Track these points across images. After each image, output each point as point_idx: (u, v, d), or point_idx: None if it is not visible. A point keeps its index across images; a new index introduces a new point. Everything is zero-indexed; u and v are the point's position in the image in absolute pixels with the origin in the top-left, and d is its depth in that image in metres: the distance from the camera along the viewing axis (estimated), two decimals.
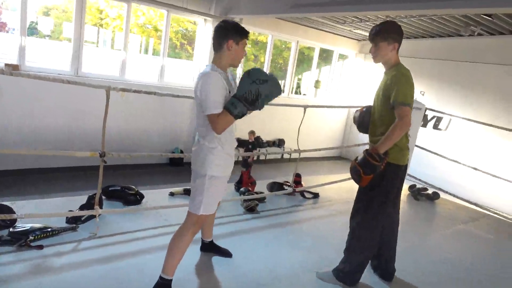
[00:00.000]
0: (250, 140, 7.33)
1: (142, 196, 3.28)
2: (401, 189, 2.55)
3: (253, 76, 1.90)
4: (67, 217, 2.72)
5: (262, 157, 8.88)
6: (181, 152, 7.54)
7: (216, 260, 2.57)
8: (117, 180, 3.42)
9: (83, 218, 2.75)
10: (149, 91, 2.76)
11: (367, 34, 9.01)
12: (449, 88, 7.82)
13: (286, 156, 9.07)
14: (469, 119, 5.14)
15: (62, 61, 6.43)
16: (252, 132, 7.40)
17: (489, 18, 6.18)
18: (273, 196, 3.93)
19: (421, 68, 8.01)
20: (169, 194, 3.55)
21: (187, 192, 3.54)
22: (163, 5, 6.63)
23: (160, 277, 2.07)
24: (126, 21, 7.03)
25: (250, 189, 3.81)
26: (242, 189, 3.78)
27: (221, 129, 1.93)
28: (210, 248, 2.62)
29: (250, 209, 3.43)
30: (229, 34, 1.99)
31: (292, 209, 3.77)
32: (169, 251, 2.08)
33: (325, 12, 5.19)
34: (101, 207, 2.87)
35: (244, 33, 2.02)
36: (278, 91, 1.99)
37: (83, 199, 2.94)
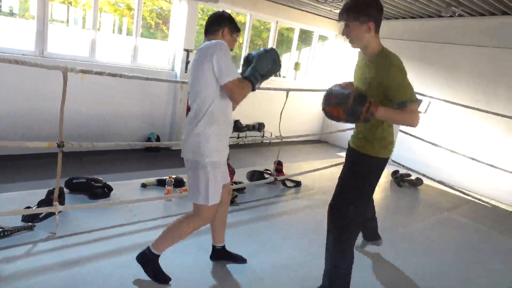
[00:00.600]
0: None
1: (110, 189, 3.00)
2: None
3: (275, 55, 1.99)
4: (23, 215, 2.43)
5: (241, 142, 8.66)
6: (157, 138, 7.23)
7: (194, 261, 2.36)
8: (85, 169, 3.15)
9: (41, 216, 2.47)
10: (113, 73, 2.46)
11: None
12: (429, 70, 7.74)
13: (266, 140, 8.88)
14: (448, 101, 5.05)
15: (27, 40, 5.94)
16: None
17: None
18: (253, 186, 3.72)
19: (401, 49, 7.78)
20: (141, 186, 3.29)
21: (160, 183, 3.30)
22: None
23: (149, 250, 2.04)
24: None
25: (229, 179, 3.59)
26: None
27: (242, 96, 1.89)
28: (223, 256, 2.36)
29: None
30: (227, 22, 2.02)
31: (274, 200, 3.58)
32: (170, 233, 2.02)
33: None
34: (62, 202, 2.59)
35: (237, 27, 2.08)
36: (279, 68, 2.07)
37: (44, 192, 2.64)
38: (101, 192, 2.91)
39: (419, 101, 1.52)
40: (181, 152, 2.02)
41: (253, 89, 1.94)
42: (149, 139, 7.16)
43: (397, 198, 4.27)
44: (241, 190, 3.50)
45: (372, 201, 2.58)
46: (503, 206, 6.18)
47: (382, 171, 2.12)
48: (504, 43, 7.08)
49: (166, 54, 7.43)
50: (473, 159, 4.39)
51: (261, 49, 2.03)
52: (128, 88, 6.54)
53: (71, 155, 4.34)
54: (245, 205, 3.29)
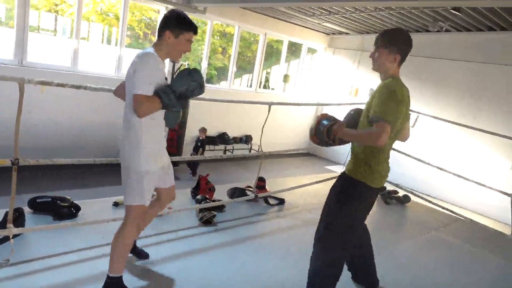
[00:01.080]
0: (200, 138, 6.96)
1: (78, 208, 2.81)
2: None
3: (195, 76, 1.91)
4: None
5: (228, 154, 8.51)
6: None
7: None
8: (54, 185, 2.94)
9: None
10: (77, 85, 2.29)
11: (336, 27, 8.81)
12: (416, 84, 7.71)
13: (254, 152, 8.74)
14: (435, 117, 4.98)
15: (8, 49, 5.78)
16: (203, 130, 7.02)
17: (457, 13, 6.06)
18: (234, 204, 3.55)
19: None
20: (112, 205, 3.10)
21: None
22: None
23: (109, 277, 1.96)
24: (77, 6, 6.45)
25: (208, 196, 3.43)
26: (198, 196, 3.38)
27: (144, 113, 1.82)
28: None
29: (206, 221, 3.04)
30: (169, 24, 1.90)
31: (254, 219, 3.41)
32: (116, 250, 1.97)
33: (291, 2, 4.86)
34: (22, 224, 2.40)
35: (185, 27, 1.91)
36: (201, 90, 1.97)
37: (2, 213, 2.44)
38: (67, 212, 2.72)
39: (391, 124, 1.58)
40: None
41: (164, 107, 1.87)
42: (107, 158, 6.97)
43: (385, 215, 4.14)
44: (221, 208, 3.33)
45: (367, 237, 2.39)
46: (490, 222, 6.10)
47: (367, 199, 2.07)
48: (490, 59, 7.10)
49: None
50: (459, 176, 4.29)
51: (190, 72, 1.93)
52: (103, 98, 6.36)
53: (35, 169, 4.10)
54: (223, 225, 3.12)
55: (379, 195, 4.48)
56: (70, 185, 5.02)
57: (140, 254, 2.44)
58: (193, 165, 6.74)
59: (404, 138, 2.21)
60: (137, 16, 9.42)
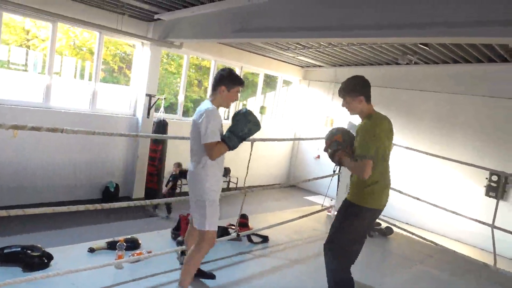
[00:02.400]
0: (173, 173, 6.75)
1: (50, 257, 2.61)
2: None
3: (251, 118, 2.36)
4: None
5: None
6: (116, 186, 6.81)
7: None
8: (23, 228, 2.73)
9: None
10: (53, 127, 2.17)
11: (311, 60, 9.04)
12: (389, 115, 7.94)
13: (232, 185, 8.61)
14: (408, 148, 5.06)
15: None
16: (177, 164, 6.81)
17: (425, 48, 6.36)
18: (216, 243, 3.41)
19: None
20: (88, 251, 2.91)
21: (112, 246, 2.94)
22: (95, 26, 6.03)
23: None
24: (51, 42, 6.37)
25: None
26: (179, 238, 3.24)
27: (216, 156, 2.31)
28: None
29: None
30: (223, 80, 2.39)
31: (238, 259, 3.28)
32: (186, 268, 2.41)
33: (266, 38, 4.97)
34: None
35: (236, 82, 2.41)
36: (258, 129, 2.45)
37: None
38: (38, 262, 2.51)
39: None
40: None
41: (230, 149, 2.33)
42: (107, 188, 6.73)
43: (369, 249, 4.07)
44: None
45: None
46: (471, 249, 6.17)
47: (362, 218, 2.39)
48: (458, 89, 7.44)
49: (128, 99, 7.20)
50: (437, 206, 4.34)
51: (243, 109, 2.39)
52: (83, 136, 6.17)
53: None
54: (206, 267, 2.95)
55: None
56: (41, 227, 4.73)
57: (207, 275, 2.80)
58: (168, 204, 6.52)
59: None
60: (112, 50, 9.37)
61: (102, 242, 3.01)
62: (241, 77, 9.22)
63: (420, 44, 6.15)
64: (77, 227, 4.98)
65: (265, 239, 3.76)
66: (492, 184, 6.69)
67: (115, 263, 2.70)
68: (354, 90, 2.36)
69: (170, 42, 6.65)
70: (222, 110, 2.72)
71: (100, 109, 6.67)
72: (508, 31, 2.97)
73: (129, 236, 3.16)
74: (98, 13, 6.11)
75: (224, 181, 8.55)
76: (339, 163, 2.49)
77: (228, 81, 2.38)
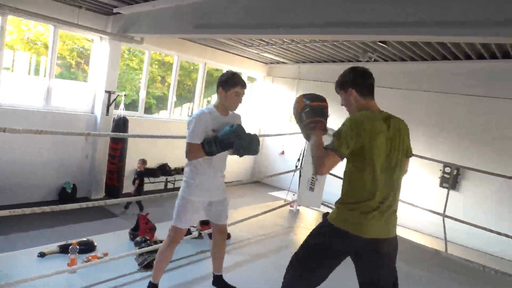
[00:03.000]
0: (138, 170, 6.62)
1: None
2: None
3: (237, 130, 2.33)
4: None
5: (170, 186, 8.23)
6: (74, 187, 6.56)
7: None
8: None
9: None
10: None
11: (274, 57, 9.08)
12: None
13: None
14: None
15: None
16: (142, 161, 6.67)
17: (384, 45, 6.56)
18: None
19: (325, 91, 8.24)
20: (38, 256, 2.77)
21: (64, 249, 2.82)
22: (49, 19, 5.75)
23: (150, 282, 2.51)
24: None
25: (148, 237, 3.22)
26: (138, 238, 3.17)
27: (191, 157, 2.39)
28: (219, 284, 2.72)
29: (147, 265, 2.84)
30: (220, 82, 2.45)
31: (199, 257, 3.25)
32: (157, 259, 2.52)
33: (228, 34, 4.94)
34: None
35: (232, 84, 2.41)
36: (254, 149, 2.44)
37: None
38: None
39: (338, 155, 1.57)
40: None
41: (207, 154, 2.32)
42: (63, 189, 6.47)
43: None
44: None
45: None
46: (426, 238, 6.46)
47: (332, 244, 1.89)
48: (413, 86, 7.75)
49: (86, 96, 6.94)
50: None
51: (233, 126, 2.35)
52: (36, 135, 5.88)
53: None
54: (166, 268, 2.92)
55: None
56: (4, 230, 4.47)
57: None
58: (138, 201, 6.40)
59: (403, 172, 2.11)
60: (69, 45, 8.99)
61: (54, 246, 2.88)
62: (205, 73, 9.17)
63: (379, 42, 6.34)
64: (29, 232, 4.75)
65: (227, 236, 3.75)
66: (445, 175, 7.03)
67: (68, 270, 2.59)
68: (345, 82, 2.01)
69: (130, 37, 6.46)
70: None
71: (55, 106, 6.39)
72: (464, 31, 3.14)
73: (84, 239, 3.05)
74: (53, 5, 5.83)
75: (160, 182, 8.38)
76: (307, 136, 2.03)
77: (224, 82, 2.42)
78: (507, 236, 3.94)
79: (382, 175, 1.87)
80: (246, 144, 2.37)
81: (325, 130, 2.01)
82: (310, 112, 2.02)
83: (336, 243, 1.88)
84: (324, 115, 2.05)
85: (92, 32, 6.45)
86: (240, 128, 2.35)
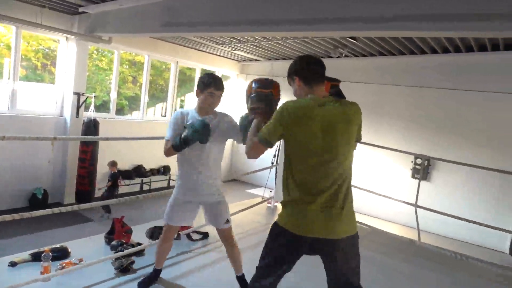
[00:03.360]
0: (112, 172, 6.50)
1: None
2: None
3: (195, 124, 2.32)
4: None
5: (146, 188, 8.09)
6: (45, 192, 6.34)
7: None
8: None
9: None
10: None
11: (247, 54, 9.08)
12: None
13: (173, 183, 8.42)
14: None
15: None
16: (112, 163, 6.54)
17: (354, 41, 6.68)
18: (155, 245, 3.31)
19: None
20: (8, 265, 2.67)
21: (36, 257, 2.72)
22: (11, 19, 5.51)
23: (154, 268, 2.77)
24: None
25: (124, 240, 3.15)
26: (114, 242, 3.09)
27: (166, 153, 2.49)
28: (239, 282, 2.75)
29: (124, 269, 2.78)
30: (197, 84, 2.52)
31: (178, 259, 3.21)
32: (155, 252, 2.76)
33: (198, 32, 4.89)
34: None
35: (207, 84, 2.44)
36: (199, 138, 2.31)
37: None
38: None
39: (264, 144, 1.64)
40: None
41: (174, 148, 2.38)
42: (34, 195, 6.25)
43: None
44: (139, 253, 3.08)
45: None
46: (400, 228, 6.65)
47: (274, 242, 1.83)
48: (384, 80, 7.93)
49: (54, 99, 6.71)
50: (368, 190, 4.64)
51: (197, 120, 2.37)
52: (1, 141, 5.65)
53: None
54: (144, 271, 2.87)
55: None
56: None
57: None
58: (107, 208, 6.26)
59: None
60: (34, 45, 8.67)
61: (25, 254, 2.78)
62: (177, 72, 9.04)
63: (349, 38, 6.45)
64: (4, 240, 4.57)
65: (205, 235, 3.73)
66: (417, 167, 7.25)
67: (41, 278, 2.50)
68: (291, 72, 1.93)
69: (98, 36, 6.29)
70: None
71: (21, 110, 6.15)
72: (428, 25, 3.24)
73: (57, 245, 2.95)
74: (15, 5, 5.60)
75: (164, 179, 8.38)
76: (251, 122, 2.09)
77: (200, 83, 2.48)
78: (475, 223, 4.11)
79: (319, 167, 1.75)
80: (197, 135, 2.32)
81: (266, 117, 1.97)
82: (254, 98, 2.07)
83: (283, 245, 1.80)
84: (268, 102, 2.04)
85: (57, 33, 6.24)
86: (198, 122, 2.32)
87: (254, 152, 1.88)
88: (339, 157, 1.77)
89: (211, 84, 2.45)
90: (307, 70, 1.90)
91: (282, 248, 1.81)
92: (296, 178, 1.77)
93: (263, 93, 2.06)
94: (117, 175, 6.50)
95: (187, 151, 2.40)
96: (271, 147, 1.85)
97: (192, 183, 2.52)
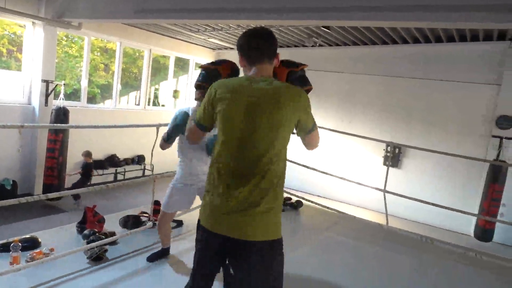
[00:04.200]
0: (87, 162, 6.48)
1: None
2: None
3: (177, 118, 2.72)
4: None
5: (120, 177, 7.97)
6: (14, 183, 6.15)
7: None
8: None
9: None
10: None
11: (222, 43, 9.00)
12: None
13: (148, 172, 8.34)
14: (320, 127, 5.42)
15: None
16: (87, 153, 6.50)
17: (327, 30, 6.75)
18: (128, 235, 3.30)
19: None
20: None
21: (5, 248, 2.66)
22: None
23: (161, 248, 3.05)
24: None
25: (96, 229, 3.12)
26: (86, 231, 3.06)
27: (160, 147, 2.90)
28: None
29: (96, 258, 2.76)
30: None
31: (153, 248, 3.20)
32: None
33: (171, 19, 4.82)
34: None
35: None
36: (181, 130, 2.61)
37: None
38: None
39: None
40: None
41: (165, 141, 2.79)
42: (2, 187, 6.04)
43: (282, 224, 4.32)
44: (113, 242, 3.06)
45: None
46: (371, 213, 6.86)
47: (202, 242, 1.63)
48: (358, 69, 8.06)
49: (21, 86, 6.46)
50: (341, 178, 4.75)
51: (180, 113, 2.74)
52: None
53: None
54: (117, 260, 2.87)
55: None
56: None
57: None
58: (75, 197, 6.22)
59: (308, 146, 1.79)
60: None
61: None
62: (150, 60, 8.86)
63: (323, 27, 6.50)
64: None
65: (179, 223, 3.74)
66: (388, 154, 7.46)
67: (11, 270, 2.45)
68: (236, 48, 1.70)
69: (67, 22, 6.08)
70: None
71: None
72: (401, 15, 3.32)
73: (27, 236, 2.89)
74: None
75: (139, 169, 8.27)
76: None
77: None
78: (442, 207, 4.30)
79: (237, 154, 1.54)
80: (178, 127, 2.67)
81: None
82: (199, 75, 1.88)
83: (203, 240, 1.63)
84: (212, 79, 1.76)
85: (22, 17, 5.97)
86: (181, 114, 2.69)
87: (191, 135, 1.73)
88: (259, 143, 1.52)
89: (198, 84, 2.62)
90: (242, 50, 1.66)
91: (203, 242, 1.68)
92: (217, 167, 1.59)
93: (208, 70, 1.85)
94: (90, 166, 6.37)
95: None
96: (208, 131, 1.70)
97: (193, 168, 2.77)
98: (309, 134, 1.68)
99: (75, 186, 6.38)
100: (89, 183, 6.42)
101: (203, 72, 1.87)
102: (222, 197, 1.53)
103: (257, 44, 1.62)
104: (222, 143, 1.57)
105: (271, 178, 1.53)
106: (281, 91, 1.55)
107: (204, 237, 1.60)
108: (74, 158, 6.64)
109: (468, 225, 6.81)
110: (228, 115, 1.56)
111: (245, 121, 1.52)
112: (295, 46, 8.35)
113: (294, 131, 1.65)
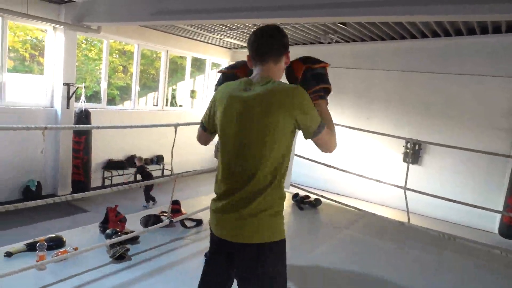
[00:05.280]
0: (137, 165, 7.00)
1: None
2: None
3: None
4: None
5: (139, 177, 8.09)
6: (38, 184, 6.34)
7: None
8: None
9: None
10: None
11: (238, 42, 9.05)
12: None
13: (166, 172, 8.46)
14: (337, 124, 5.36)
15: None
16: (139, 158, 7.10)
17: (344, 27, 6.68)
18: (149, 232, 3.36)
19: None
20: (4, 255, 2.69)
21: (31, 247, 2.75)
22: None
23: None
24: None
25: (118, 229, 3.19)
26: (108, 231, 3.12)
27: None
28: None
29: (119, 257, 2.82)
30: None
31: (172, 245, 3.25)
32: None
33: (187, 20, 4.87)
34: None
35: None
36: None
37: None
38: None
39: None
40: None
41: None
42: (27, 188, 6.24)
43: (300, 221, 4.31)
44: (134, 241, 3.11)
45: None
46: (392, 211, 6.77)
47: (210, 243, 1.68)
48: (375, 65, 7.95)
49: (44, 90, 6.65)
50: (360, 175, 4.70)
51: None
52: None
53: None
54: (138, 258, 2.91)
55: (293, 202, 4.67)
56: None
57: None
58: (146, 192, 6.69)
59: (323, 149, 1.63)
60: (21, 36, 8.54)
61: (20, 245, 2.80)
62: (167, 61, 8.97)
63: (339, 23, 6.44)
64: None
65: (198, 222, 3.77)
66: (408, 151, 7.33)
67: (36, 266, 2.54)
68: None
69: (86, 26, 6.22)
70: None
71: (10, 102, 6.10)
72: (420, 9, 3.26)
73: (52, 235, 2.98)
74: None
75: (158, 169, 8.39)
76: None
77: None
78: (464, 204, 4.19)
79: (234, 159, 1.51)
80: None
81: None
82: (218, 80, 1.90)
83: (212, 244, 1.67)
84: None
85: (44, 22, 6.15)
86: None
87: (198, 137, 1.76)
88: (253, 149, 1.45)
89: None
90: (251, 46, 1.57)
91: (212, 246, 1.71)
92: (218, 170, 1.60)
93: (225, 74, 1.85)
94: (143, 167, 6.93)
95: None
96: (210, 133, 1.71)
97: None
98: (316, 136, 1.50)
99: (147, 190, 6.69)
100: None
101: (221, 77, 1.87)
102: (221, 200, 1.55)
103: (259, 44, 1.55)
104: (221, 147, 1.57)
105: (261, 187, 1.47)
106: (272, 92, 1.44)
107: (211, 238, 1.65)
108: (97, 158, 6.82)
109: (492, 222, 6.63)
110: (222, 123, 1.55)
111: (236, 130, 1.49)
112: (311, 43, 8.29)
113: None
